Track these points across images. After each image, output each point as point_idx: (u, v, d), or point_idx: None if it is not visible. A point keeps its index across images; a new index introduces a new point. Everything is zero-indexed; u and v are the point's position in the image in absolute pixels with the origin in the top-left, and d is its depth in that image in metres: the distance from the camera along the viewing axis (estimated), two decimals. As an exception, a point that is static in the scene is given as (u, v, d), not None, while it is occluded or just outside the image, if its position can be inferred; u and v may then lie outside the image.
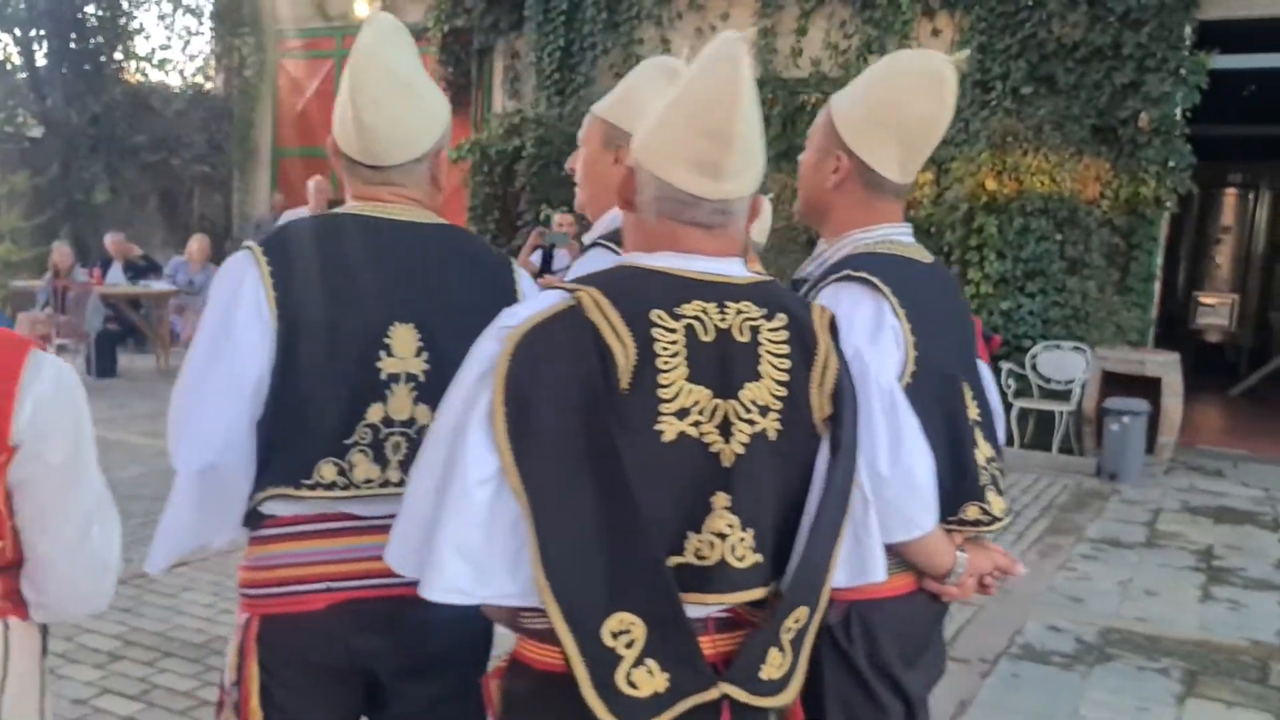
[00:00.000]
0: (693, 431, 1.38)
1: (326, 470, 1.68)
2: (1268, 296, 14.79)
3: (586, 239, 2.26)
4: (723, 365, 1.41)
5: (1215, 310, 14.39)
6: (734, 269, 1.49)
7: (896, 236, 1.94)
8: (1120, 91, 8.78)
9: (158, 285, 10.47)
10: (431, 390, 1.73)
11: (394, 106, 1.76)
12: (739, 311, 1.43)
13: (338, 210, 1.82)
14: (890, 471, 1.71)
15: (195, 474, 1.65)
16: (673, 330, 1.38)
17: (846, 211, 1.95)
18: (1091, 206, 8.69)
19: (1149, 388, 7.98)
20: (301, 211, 8.17)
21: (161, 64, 13.54)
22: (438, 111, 1.83)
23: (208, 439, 1.65)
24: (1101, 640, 4.47)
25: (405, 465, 1.73)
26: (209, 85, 13.66)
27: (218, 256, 12.24)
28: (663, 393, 1.37)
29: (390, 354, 1.71)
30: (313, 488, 1.68)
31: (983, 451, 1.92)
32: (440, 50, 11.76)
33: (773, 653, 1.47)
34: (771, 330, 1.45)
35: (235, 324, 1.67)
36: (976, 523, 1.89)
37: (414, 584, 1.74)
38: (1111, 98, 8.80)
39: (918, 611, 1.94)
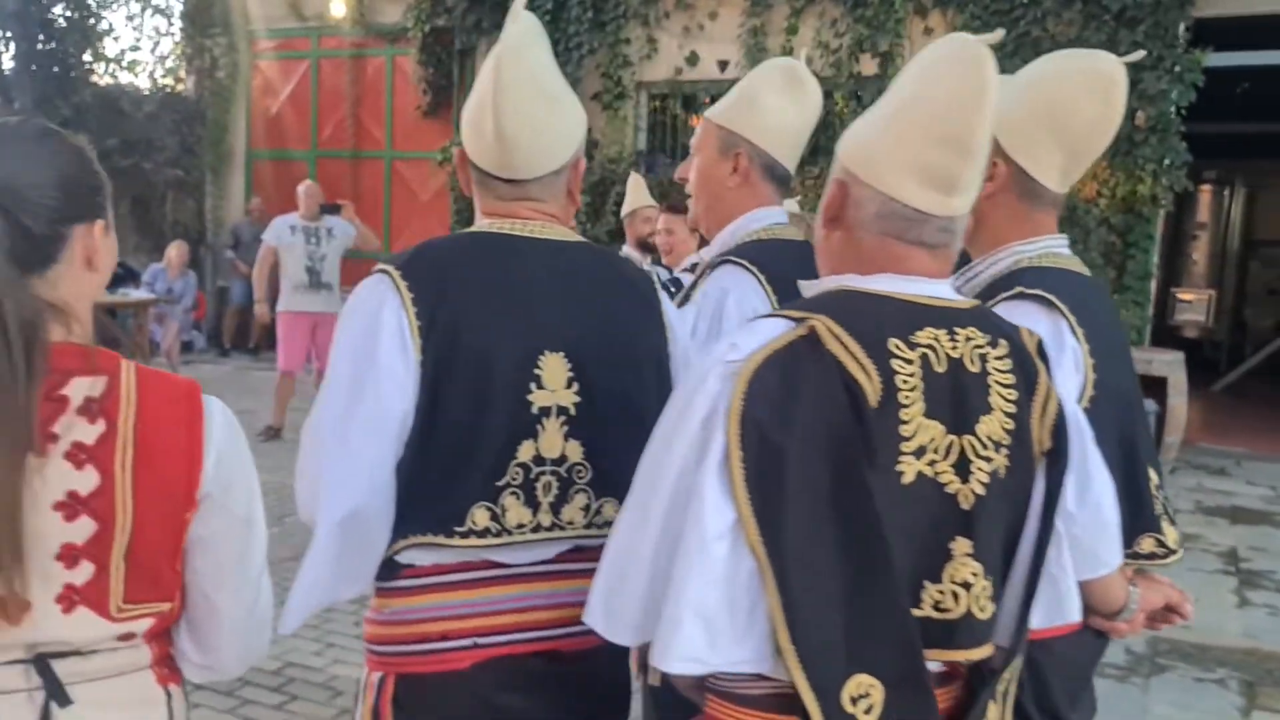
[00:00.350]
0: (929, 471, 1.26)
1: (479, 515, 1.53)
2: (1242, 293, 14.93)
3: (706, 254, 2.12)
4: (956, 398, 1.28)
5: (1192, 306, 14.47)
6: (951, 292, 1.36)
7: (1058, 249, 1.83)
8: (1116, 90, 8.74)
9: (136, 294, 10.14)
10: (582, 425, 1.59)
11: (538, 115, 1.60)
12: (968, 339, 1.31)
13: (474, 229, 1.66)
14: (1078, 507, 1.58)
15: (337, 524, 1.48)
16: (910, 361, 1.25)
17: (1002, 223, 1.82)
18: (1090, 205, 8.67)
19: (1151, 386, 7.95)
20: (291, 218, 7.92)
21: (131, 66, 13.19)
22: (577, 117, 1.68)
23: (352, 485, 1.49)
24: (1150, 650, 4.40)
25: (556, 507, 1.59)
26: (180, 87, 13.30)
27: (193, 263, 11.94)
28: (904, 429, 1.24)
29: (541, 386, 1.56)
30: (465, 535, 1.52)
31: (1151, 479, 1.81)
32: (420, 51, 11.53)
33: (991, 707, 1.37)
34: (998, 359, 1.33)
35: (377, 356, 1.50)
36: (1151, 556, 1.78)
37: (564, 637, 1.61)
38: (1107, 96, 8.76)
39: (1083, 650, 1.83)
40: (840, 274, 1.36)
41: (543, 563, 1.60)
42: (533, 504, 1.57)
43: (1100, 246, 8.72)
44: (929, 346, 1.27)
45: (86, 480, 1.20)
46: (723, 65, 10.27)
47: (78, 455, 1.20)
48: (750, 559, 1.19)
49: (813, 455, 1.19)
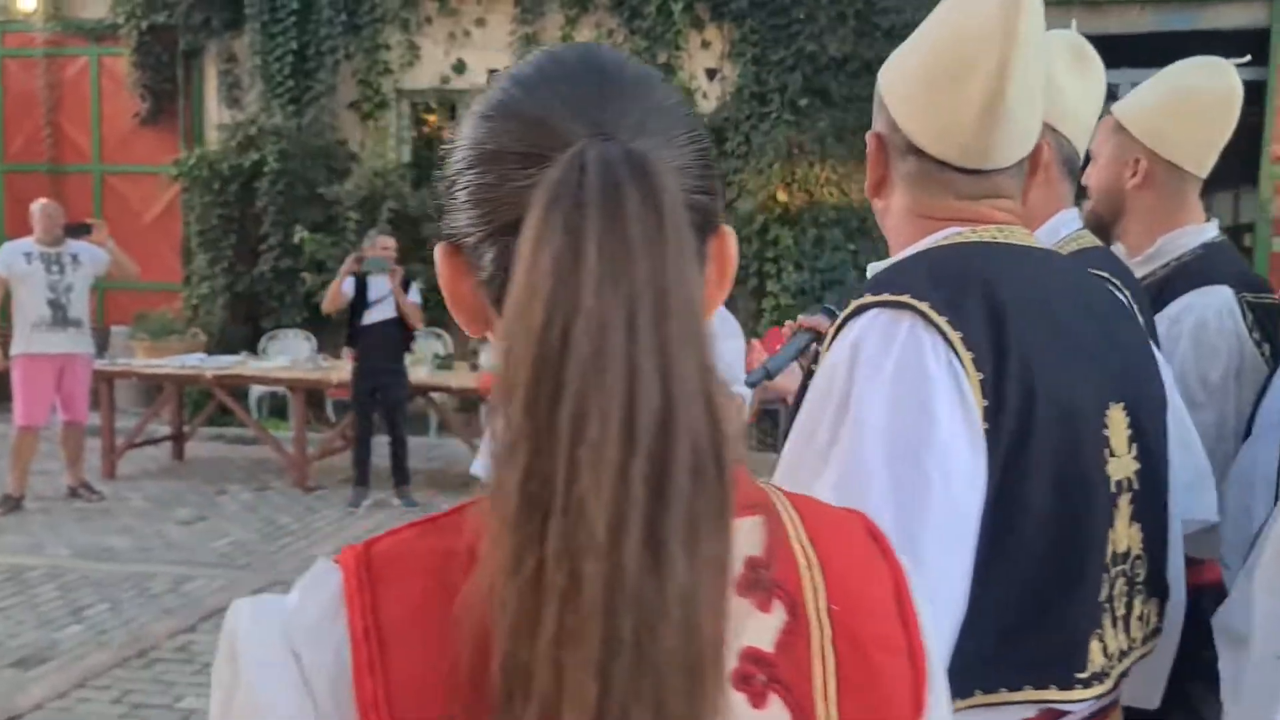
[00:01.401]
0: None
1: (1095, 651, 1.06)
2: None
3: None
4: None
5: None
6: None
7: None
8: (890, 105, 9.09)
9: None
10: (1144, 501, 1.15)
11: (1035, 87, 1.17)
12: None
13: (960, 239, 1.16)
14: None
15: None
16: None
17: None
18: (878, 216, 8.95)
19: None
20: (25, 243, 6.59)
21: None
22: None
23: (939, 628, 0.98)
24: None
25: (1126, 621, 1.15)
26: None
27: None
28: None
29: (1113, 452, 1.12)
30: (1088, 683, 1.05)
31: None
32: (134, 52, 10.10)
33: None
34: None
35: (935, 434, 0.99)
36: None
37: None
38: (882, 110, 9.09)
39: None
40: None
41: (1097, 698, 1.16)
42: (1114, 620, 1.12)
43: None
44: None
45: None
46: (493, 74, 9.75)
47: (753, 678, 0.62)
48: None
49: None
